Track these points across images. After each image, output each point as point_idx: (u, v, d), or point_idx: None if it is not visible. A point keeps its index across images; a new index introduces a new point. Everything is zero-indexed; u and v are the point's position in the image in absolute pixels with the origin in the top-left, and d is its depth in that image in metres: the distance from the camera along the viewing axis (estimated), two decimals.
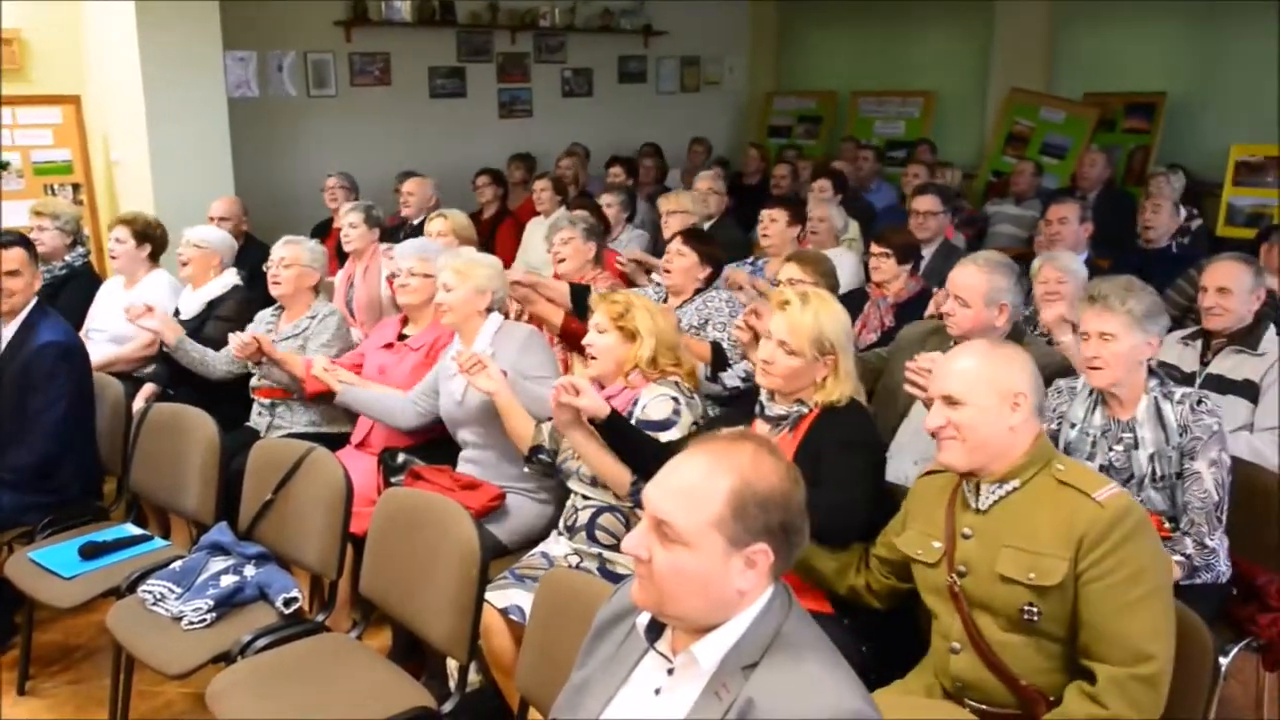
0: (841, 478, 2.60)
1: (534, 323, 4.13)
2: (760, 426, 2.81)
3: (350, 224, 5.25)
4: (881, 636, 2.64)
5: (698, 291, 4.17)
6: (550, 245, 4.76)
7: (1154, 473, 2.83)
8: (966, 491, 2.31)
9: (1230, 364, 3.54)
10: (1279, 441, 3.37)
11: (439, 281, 3.57)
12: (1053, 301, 3.90)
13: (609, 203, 6.29)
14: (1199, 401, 2.83)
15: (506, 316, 3.75)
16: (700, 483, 1.57)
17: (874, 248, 4.51)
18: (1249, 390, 3.46)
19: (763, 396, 2.85)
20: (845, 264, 5.37)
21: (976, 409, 2.22)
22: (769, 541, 1.57)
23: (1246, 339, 3.55)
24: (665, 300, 4.23)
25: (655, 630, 1.67)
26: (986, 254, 3.50)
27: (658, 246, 6.43)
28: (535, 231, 6.60)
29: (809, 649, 1.58)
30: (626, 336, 3.03)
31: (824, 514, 2.46)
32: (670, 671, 1.64)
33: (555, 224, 4.82)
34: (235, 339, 3.81)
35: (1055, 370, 3.18)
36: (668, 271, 4.21)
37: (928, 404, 2.80)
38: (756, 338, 3.20)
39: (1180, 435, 2.79)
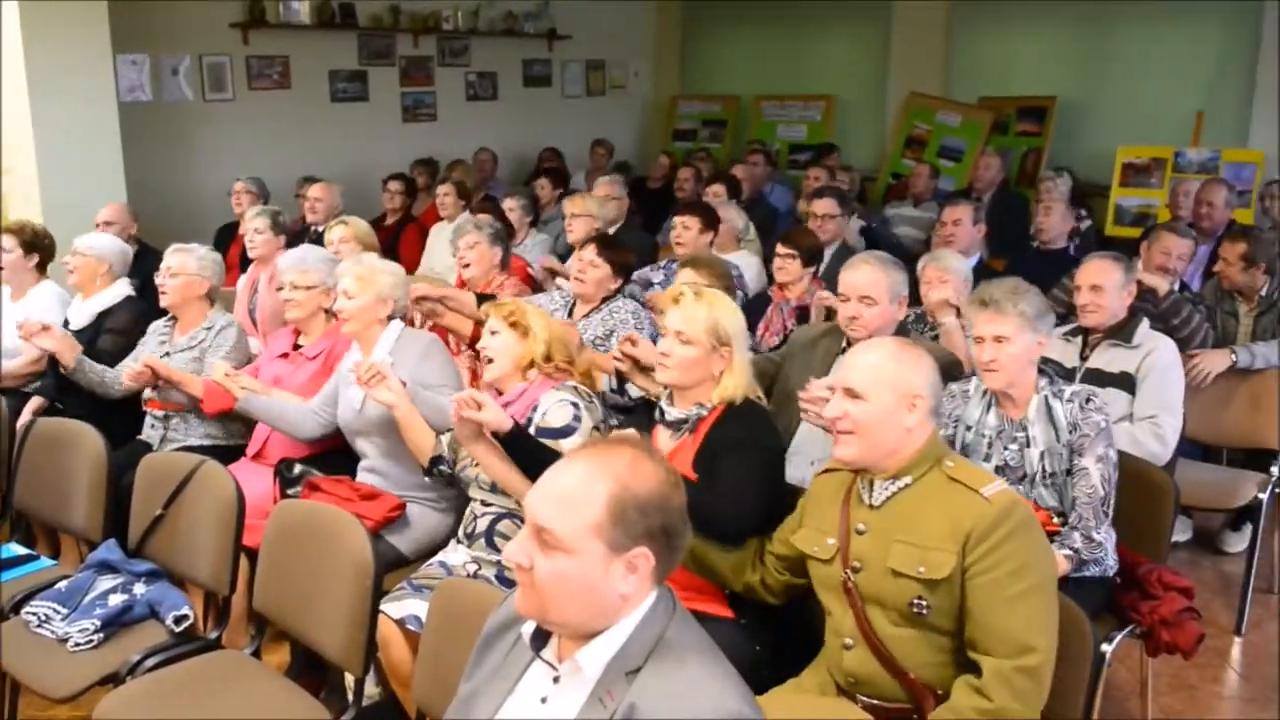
0: (735, 477, 2.62)
1: (440, 334, 4.09)
2: (661, 433, 2.82)
3: (255, 229, 5.13)
4: (778, 635, 2.67)
5: (605, 300, 4.15)
6: (455, 250, 4.72)
7: (1044, 470, 2.90)
8: (860, 488, 2.34)
9: (1107, 358, 3.65)
10: (1163, 430, 3.50)
11: (339, 288, 3.51)
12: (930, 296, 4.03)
13: (511, 207, 6.27)
14: (1088, 399, 2.90)
15: (410, 325, 3.71)
16: (579, 488, 1.57)
17: (780, 248, 4.56)
18: (1126, 382, 3.58)
19: (662, 402, 2.85)
20: (749, 267, 5.44)
21: (875, 406, 2.26)
22: (650, 545, 1.58)
23: (1121, 333, 3.66)
24: (572, 307, 4.21)
25: (541, 638, 1.67)
26: (876, 253, 3.61)
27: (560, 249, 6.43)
28: (439, 237, 6.54)
29: (692, 652, 1.59)
30: (521, 334, 3.04)
31: (716, 512, 2.52)
32: (556, 679, 1.64)
33: (460, 228, 4.76)
34: (127, 368, 3.70)
35: (944, 365, 3.25)
36: (579, 279, 4.16)
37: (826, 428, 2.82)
38: (636, 365, 3.21)
39: (1070, 432, 2.87)
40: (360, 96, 8.57)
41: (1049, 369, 3.03)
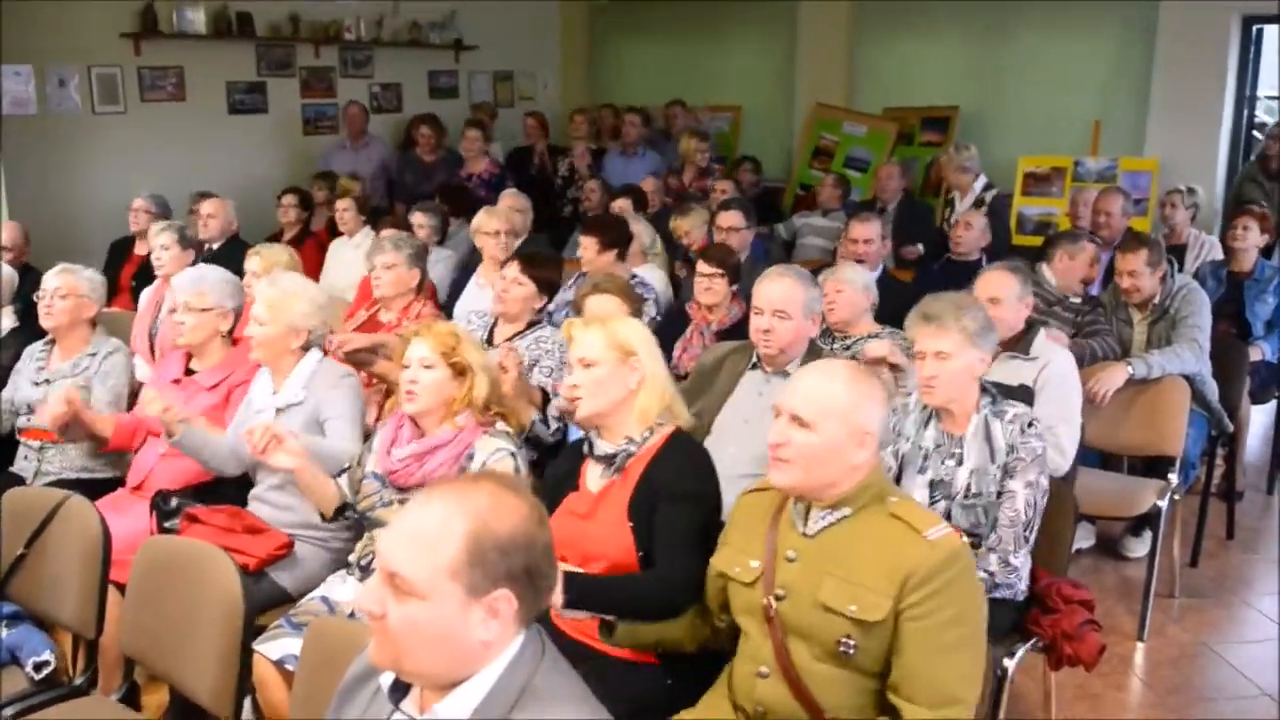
0: (674, 544, 2.47)
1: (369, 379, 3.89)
2: (592, 468, 2.67)
3: (162, 245, 4.91)
4: (694, 665, 2.56)
5: (531, 324, 3.95)
6: (370, 266, 4.48)
7: (969, 489, 2.86)
8: (794, 514, 2.25)
9: (1006, 370, 3.62)
10: (1061, 442, 3.49)
11: (253, 312, 3.31)
12: (830, 309, 3.99)
13: (421, 223, 6.07)
14: (1030, 424, 2.87)
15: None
16: (434, 529, 1.46)
17: (704, 267, 4.34)
18: (1025, 395, 3.55)
19: (591, 434, 2.69)
20: (656, 280, 5.37)
21: (821, 439, 2.15)
22: (511, 587, 1.47)
23: (1019, 345, 3.66)
24: (493, 328, 4.03)
25: (401, 689, 1.56)
26: (793, 267, 3.53)
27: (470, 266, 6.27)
28: (338, 253, 6.37)
29: (560, 700, 1.50)
30: (456, 373, 2.82)
31: (669, 598, 2.42)
32: None
33: (378, 245, 4.52)
34: (48, 410, 3.45)
35: None
36: (501, 299, 3.96)
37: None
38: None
39: (1007, 454, 2.83)
40: (259, 108, 8.35)
41: (993, 390, 2.99)
